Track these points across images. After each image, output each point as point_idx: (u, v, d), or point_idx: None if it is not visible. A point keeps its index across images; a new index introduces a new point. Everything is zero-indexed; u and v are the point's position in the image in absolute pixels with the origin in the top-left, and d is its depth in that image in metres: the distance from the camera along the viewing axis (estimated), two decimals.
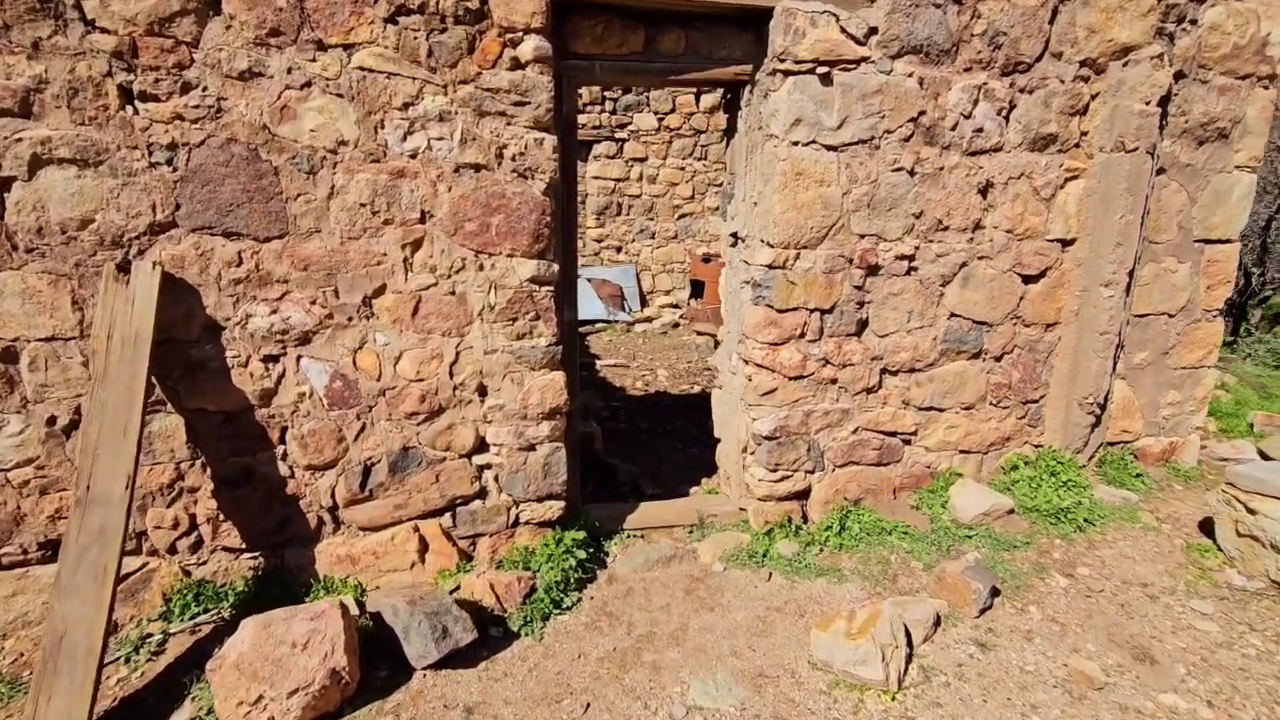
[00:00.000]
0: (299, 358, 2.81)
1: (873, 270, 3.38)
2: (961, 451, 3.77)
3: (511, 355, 3.02)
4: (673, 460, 4.80)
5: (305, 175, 2.68)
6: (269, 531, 2.93)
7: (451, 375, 2.98)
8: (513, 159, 2.86)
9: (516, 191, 2.89)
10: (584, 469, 4.31)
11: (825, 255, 3.29)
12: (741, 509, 3.71)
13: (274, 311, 2.74)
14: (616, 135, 9.66)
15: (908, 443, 3.68)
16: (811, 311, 3.35)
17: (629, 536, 3.58)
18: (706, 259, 9.51)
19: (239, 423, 2.80)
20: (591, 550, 3.34)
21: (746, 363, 3.45)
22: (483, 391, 3.04)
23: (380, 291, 2.84)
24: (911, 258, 3.42)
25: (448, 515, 3.12)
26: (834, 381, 3.46)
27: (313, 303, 2.78)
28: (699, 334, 8.64)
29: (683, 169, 9.91)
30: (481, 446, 3.10)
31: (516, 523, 3.23)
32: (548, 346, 3.06)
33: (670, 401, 6.22)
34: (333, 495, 2.96)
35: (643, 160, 9.80)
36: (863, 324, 3.45)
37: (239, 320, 2.72)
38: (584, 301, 9.33)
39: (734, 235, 3.58)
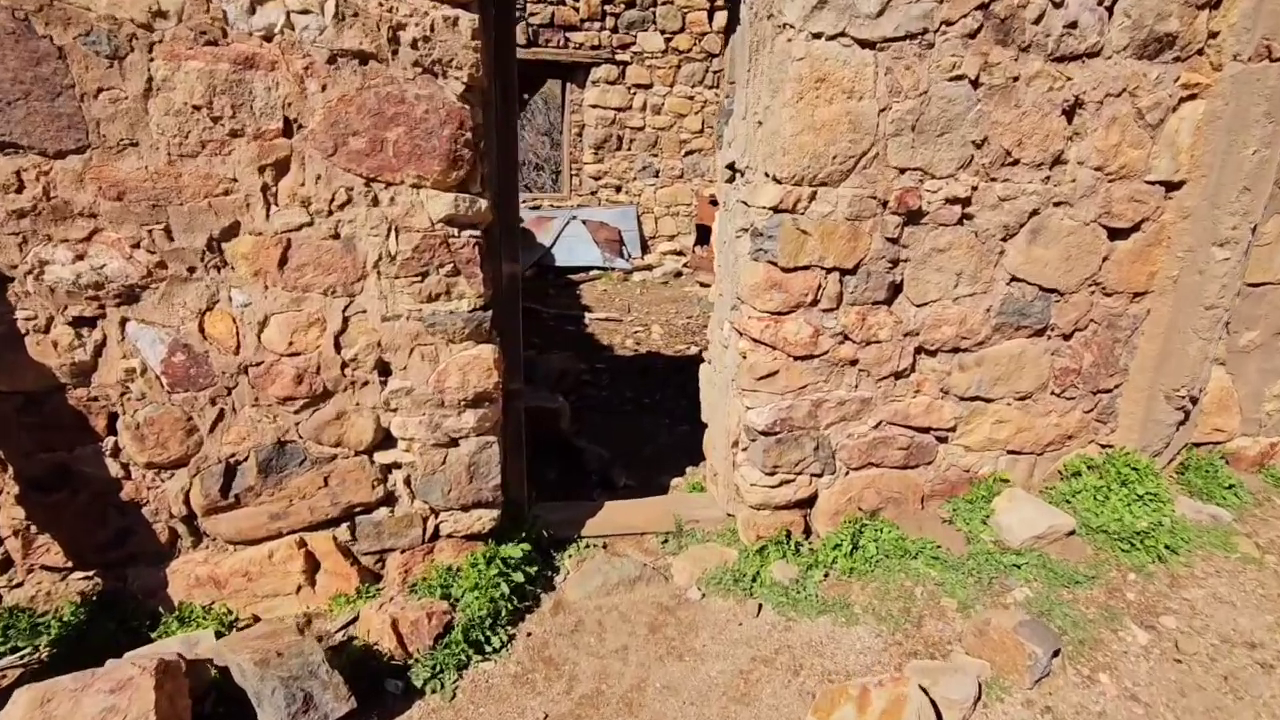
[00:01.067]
0: (123, 321, 2.06)
1: (913, 217, 2.54)
2: (1010, 452, 3.00)
3: (421, 323, 2.25)
4: (656, 442, 4.07)
5: (107, 61, 1.86)
6: (104, 546, 2.25)
7: (339, 348, 2.22)
8: (413, 46, 2.01)
9: (422, 95, 2.06)
10: (546, 454, 3.59)
11: (851, 195, 2.45)
12: (729, 514, 2.99)
13: (80, 257, 1.97)
14: (618, 57, 8.58)
15: (943, 440, 2.91)
16: (829, 271, 2.53)
17: (588, 546, 2.88)
18: (715, 201, 8.56)
19: (46, 407, 2.07)
20: (536, 569, 2.65)
21: (741, 335, 2.66)
22: (384, 371, 2.29)
23: (232, 232, 2.06)
24: (966, 201, 2.56)
25: (345, 527, 2.42)
26: (853, 363, 2.67)
27: (135, 246, 2.00)
28: (702, 285, 7.79)
29: (691, 98, 8.84)
30: (386, 441, 2.37)
31: (436, 536, 2.53)
32: (471, 312, 2.29)
33: (662, 365, 5.46)
34: (186, 502, 2.26)
35: (647, 87, 8.74)
36: (895, 289, 2.63)
37: (30, 269, 1.96)
38: (579, 246, 8.48)
39: (731, 167, 2.72)
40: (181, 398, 2.16)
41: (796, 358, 2.59)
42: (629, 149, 8.97)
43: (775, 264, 2.48)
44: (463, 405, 2.36)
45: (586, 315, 6.85)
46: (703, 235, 8.97)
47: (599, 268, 8.51)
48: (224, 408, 2.20)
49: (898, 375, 2.74)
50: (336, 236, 2.13)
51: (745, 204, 2.57)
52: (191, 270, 2.07)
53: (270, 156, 2.02)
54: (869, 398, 2.74)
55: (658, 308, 7.29)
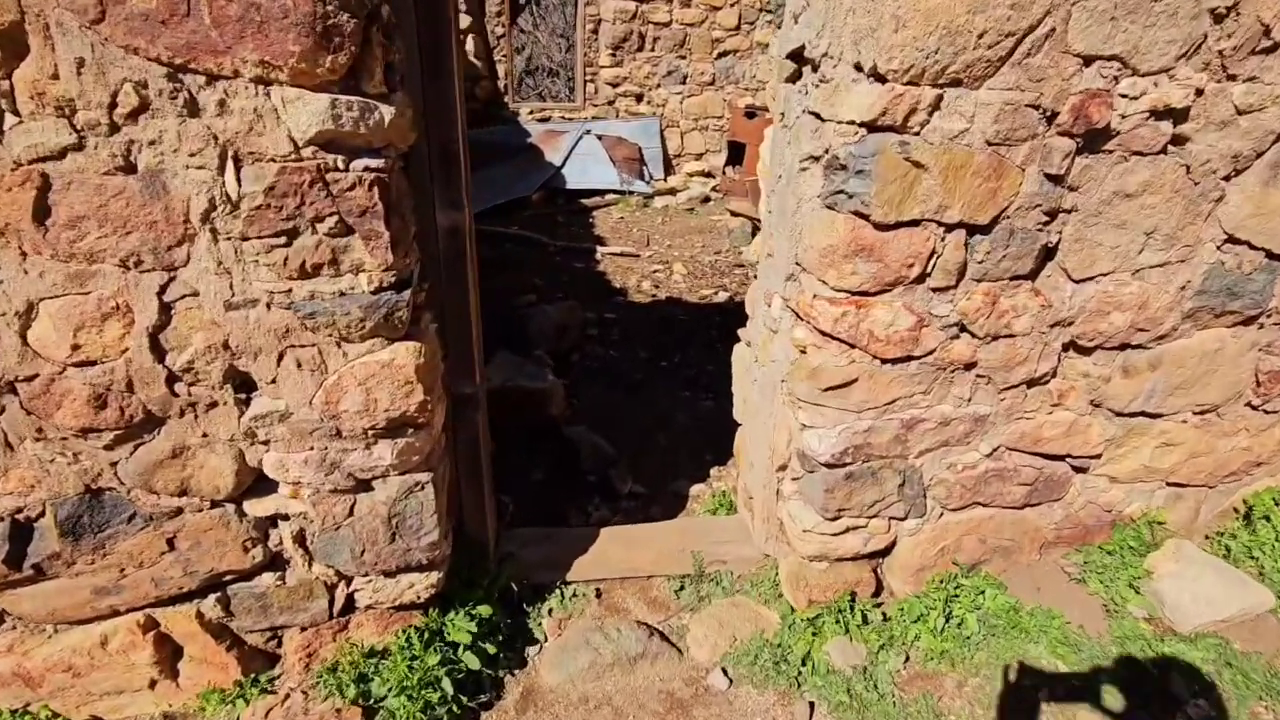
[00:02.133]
0: None
1: (1092, 141, 1.58)
2: (1172, 485, 2.12)
3: (292, 312, 1.39)
4: (673, 424, 3.25)
5: None
6: None
7: (159, 352, 1.39)
8: None
9: None
10: (532, 445, 2.80)
11: (999, 104, 1.48)
12: (768, 555, 2.20)
13: None
14: None
15: (1081, 470, 2.04)
16: (949, 230, 1.60)
17: (575, 596, 2.13)
18: (750, 113, 7.37)
19: None
20: (502, 638, 1.90)
21: (801, 320, 1.77)
22: (242, 385, 1.46)
23: None
24: (1183, 115, 1.58)
25: (214, 599, 1.67)
26: (969, 367, 1.77)
27: None
28: (733, 214, 6.74)
29: None
30: (260, 485, 1.58)
31: (351, 608, 1.78)
32: (376, 293, 1.42)
33: (684, 315, 4.56)
34: None
35: None
36: (1045, 256, 1.70)
37: None
38: (593, 165, 7.41)
39: (797, 56, 1.74)
40: None
41: (886, 360, 1.70)
42: (652, 49, 7.69)
43: (865, 216, 1.55)
44: (371, 434, 1.54)
45: (599, 249, 5.90)
46: (735, 154, 7.81)
47: (616, 191, 7.45)
48: None
49: (1032, 383, 1.85)
50: (129, 169, 1.25)
51: (818, 117, 1.61)
52: None
53: None
54: (985, 415, 1.86)
55: (682, 240, 6.30)
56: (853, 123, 1.50)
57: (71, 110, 1.20)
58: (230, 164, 1.28)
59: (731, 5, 7.53)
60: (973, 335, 1.73)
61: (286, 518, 1.61)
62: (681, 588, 2.18)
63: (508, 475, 2.72)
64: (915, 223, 1.57)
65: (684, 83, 7.90)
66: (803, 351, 1.79)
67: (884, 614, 2.03)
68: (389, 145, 1.40)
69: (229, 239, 1.33)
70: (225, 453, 1.49)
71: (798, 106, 1.76)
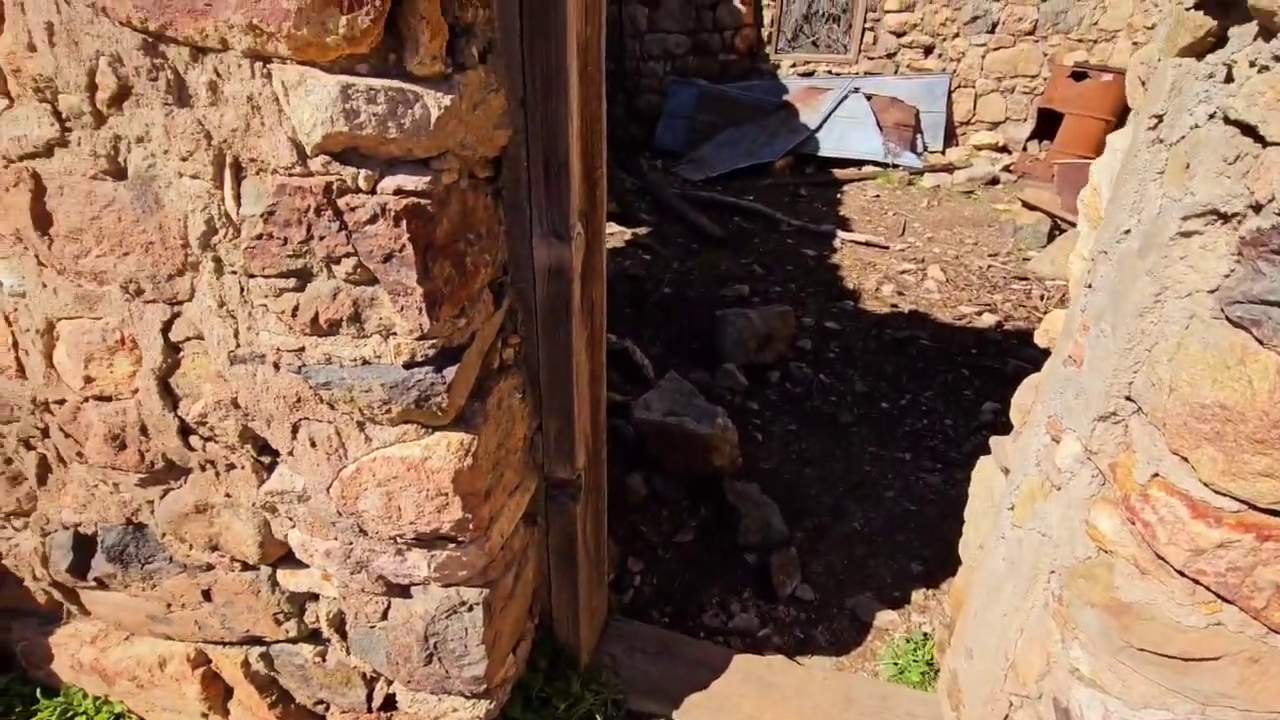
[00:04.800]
0: None
1: None
2: None
3: (302, 379, 1.02)
4: (878, 500, 2.47)
5: None
6: None
7: (171, 399, 1.11)
8: None
9: None
10: (686, 500, 2.30)
11: None
12: None
13: None
14: None
15: None
16: None
17: None
18: (1079, 75, 5.68)
19: None
20: None
21: (1118, 506, 0.96)
22: (262, 448, 1.15)
23: None
24: None
25: (258, 652, 1.47)
26: None
27: None
28: (1026, 205, 5.29)
29: None
30: (290, 558, 1.29)
31: (392, 705, 1.46)
32: (408, 367, 0.98)
33: (928, 340, 3.59)
34: (46, 567, 1.47)
35: None
36: None
37: None
38: (854, 130, 6.38)
39: (1218, 4, 0.87)
40: None
41: None
42: None
43: None
44: (402, 543, 1.14)
45: (839, 234, 5.02)
46: (1045, 126, 6.15)
47: (876, 163, 6.34)
48: (45, 454, 1.28)
49: None
50: (119, 173, 0.94)
51: (1251, 133, 0.77)
52: None
53: None
54: None
55: (947, 233, 5.11)
56: None
57: (53, 93, 0.91)
58: (229, 173, 0.91)
59: None
60: None
61: (317, 597, 1.32)
62: None
63: (646, 528, 2.26)
64: None
65: (992, 31, 6.35)
66: (1104, 551, 0.99)
67: None
68: (445, 153, 0.92)
69: (233, 273, 0.98)
70: (249, 520, 1.21)
71: (1197, 103, 0.90)
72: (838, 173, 6.31)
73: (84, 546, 1.39)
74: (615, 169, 5.52)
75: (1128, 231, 1.01)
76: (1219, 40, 0.88)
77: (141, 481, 1.22)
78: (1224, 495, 0.81)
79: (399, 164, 0.89)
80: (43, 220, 1.00)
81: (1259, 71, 0.79)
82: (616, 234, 4.85)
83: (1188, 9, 0.91)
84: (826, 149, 6.41)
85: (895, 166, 6.29)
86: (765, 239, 4.94)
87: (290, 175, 0.88)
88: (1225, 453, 0.80)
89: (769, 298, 4.02)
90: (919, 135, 6.53)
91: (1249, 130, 0.80)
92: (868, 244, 4.91)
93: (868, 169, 6.32)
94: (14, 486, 1.34)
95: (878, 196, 5.90)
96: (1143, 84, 1.09)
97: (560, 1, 0.97)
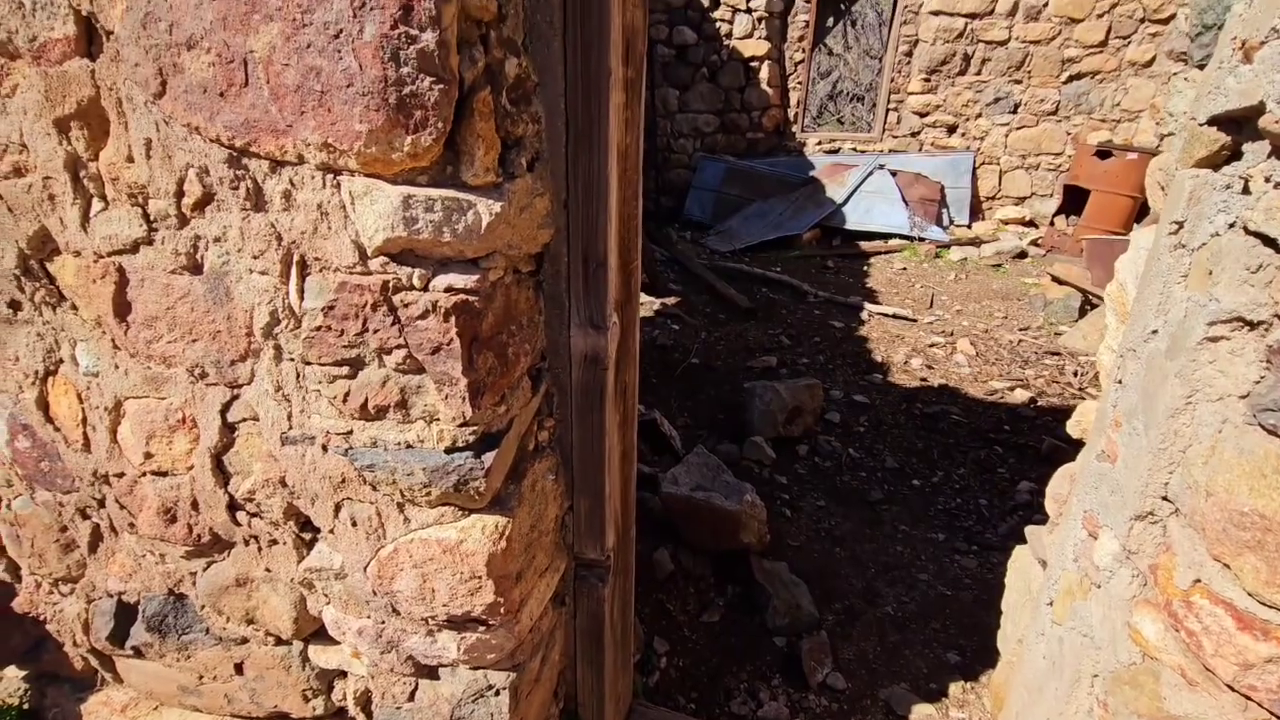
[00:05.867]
0: None
1: None
2: None
3: (348, 460, 1.06)
4: (912, 584, 2.41)
5: None
6: (20, 653, 1.63)
7: (223, 476, 1.17)
8: None
9: None
10: (713, 578, 2.27)
11: None
12: None
13: None
14: None
15: None
16: None
17: None
18: (1104, 153, 5.77)
19: None
20: None
21: (1162, 610, 0.94)
22: (304, 525, 1.19)
23: (45, 245, 1.09)
24: None
25: None
26: None
27: None
28: (1056, 280, 5.28)
29: None
30: (322, 634, 1.31)
31: None
32: (450, 453, 1.02)
33: (959, 415, 3.56)
34: (87, 634, 1.51)
35: None
36: None
37: None
38: (880, 204, 6.51)
39: (1231, 122, 0.91)
40: (44, 498, 1.34)
41: None
42: (978, 72, 6.47)
43: None
44: (433, 624, 1.16)
45: (866, 306, 5.06)
46: (1072, 202, 6.21)
47: (903, 236, 6.44)
48: (99, 524, 1.34)
49: None
50: (195, 268, 1.03)
51: (1271, 244, 0.79)
52: (14, 306, 1.16)
53: (66, 98, 0.96)
54: None
55: (976, 306, 5.12)
56: None
57: (145, 198, 1.00)
58: (294, 271, 0.99)
59: (1099, 16, 5.96)
60: None
61: (346, 675, 1.33)
62: None
63: (672, 605, 2.22)
64: None
65: (1014, 111, 6.51)
66: (1149, 658, 0.96)
67: None
68: (493, 253, 0.98)
69: (291, 360, 1.04)
70: (286, 595, 1.24)
71: (1216, 213, 0.93)
72: (864, 245, 6.41)
73: (126, 615, 1.43)
74: (645, 240, 5.69)
75: (1155, 331, 1.02)
76: (1234, 154, 0.92)
77: (188, 554, 1.26)
78: (1270, 607, 0.80)
79: (450, 264, 0.96)
80: (122, 309, 1.09)
81: (1275, 187, 0.82)
82: (645, 304, 4.96)
83: (1201, 124, 0.96)
84: (853, 222, 6.54)
85: (921, 239, 6.37)
86: (792, 310, 5.00)
87: (351, 274, 0.95)
88: (1268, 563, 0.79)
89: (796, 369, 4.03)
90: (944, 210, 6.63)
91: (1270, 242, 0.82)
92: (895, 316, 4.93)
93: (894, 242, 6.41)
94: (66, 554, 1.39)
95: (904, 269, 5.96)
96: (1162, 189, 1.12)
97: (604, 115, 1.05)
